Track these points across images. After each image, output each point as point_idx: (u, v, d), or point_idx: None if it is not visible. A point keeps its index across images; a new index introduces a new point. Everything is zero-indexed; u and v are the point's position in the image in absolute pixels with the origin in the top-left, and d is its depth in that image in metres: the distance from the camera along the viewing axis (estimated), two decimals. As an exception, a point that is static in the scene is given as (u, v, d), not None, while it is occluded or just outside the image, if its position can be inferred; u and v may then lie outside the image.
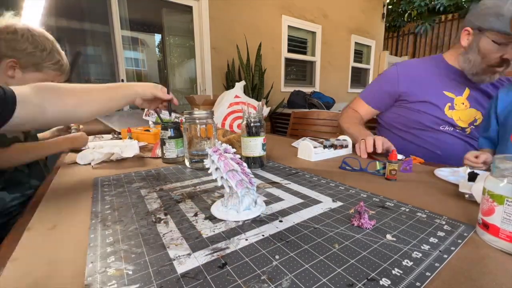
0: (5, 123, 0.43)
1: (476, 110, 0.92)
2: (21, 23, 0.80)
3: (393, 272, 0.27)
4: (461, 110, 0.91)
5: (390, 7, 5.94)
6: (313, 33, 3.91)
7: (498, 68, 0.83)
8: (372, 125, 1.24)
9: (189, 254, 0.31)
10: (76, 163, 0.76)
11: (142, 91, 0.65)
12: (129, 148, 0.79)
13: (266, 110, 1.35)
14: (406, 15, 5.96)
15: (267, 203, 0.46)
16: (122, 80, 2.51)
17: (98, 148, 0.80)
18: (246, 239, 0.34)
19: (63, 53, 0.88)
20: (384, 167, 0.61)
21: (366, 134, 0.89)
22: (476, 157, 0.66)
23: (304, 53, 3.94)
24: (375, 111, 1.07)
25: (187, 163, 0.72)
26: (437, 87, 0.93)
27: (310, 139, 1.04)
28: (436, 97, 0.92)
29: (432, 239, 0.34)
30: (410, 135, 0.98)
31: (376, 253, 0.31)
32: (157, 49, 3.33)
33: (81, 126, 1.14)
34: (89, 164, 0.75)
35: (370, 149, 0.78)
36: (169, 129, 0.74)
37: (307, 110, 2.67)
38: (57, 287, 0.26)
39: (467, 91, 0.92)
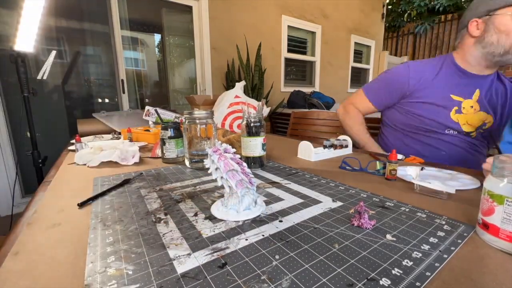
0: None
1: (487, 113, 0.87)
2: None
3: (393, 272, 0.27)
4: (470, 114, 0.87)
5: (389, 7, 5.94)
6: (313, 33, 3.91)
7: None
8: (374, 125, 1.22)
9: (189, 254, 0.31)
10: (75, 163, 0.76)
11: None
12: (129, 154, 0.78)
13: (266, 110, 1.35)
14: (405, 15, 5.96)
15: (267, 203, 0.46)
16: (122, 81, 2.51)
17: (96, 149, 0.79)
18: (246, 239, 0.34)
19: None
20: (384, 167, 0.61)
21: (376, 147, 1.00)
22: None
23: (304, 53, 3.94)
24: (375, 110, 1.06)
25: (187, 163, 0.72)
26: (445, 91, 0.89)
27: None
28: (442, 101, 0.89)
29: (432, 239, 0.34)
30: (415, 135, 0.95)
31: (376, 253, 0.31)
32: (157, 49, 3.32)
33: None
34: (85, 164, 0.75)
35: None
36: (169, 129, 0.74)
37: (307, 110, 2.67)
38: (57, 286, 0.26)
39: (477, 93, 0.87)
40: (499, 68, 0.89)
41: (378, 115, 1.16)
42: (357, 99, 1.08)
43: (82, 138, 1.07)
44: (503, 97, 0.90)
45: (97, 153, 0.77)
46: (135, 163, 0.77)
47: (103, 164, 0.75)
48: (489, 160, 0.50)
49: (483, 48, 0.84)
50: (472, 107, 0.87)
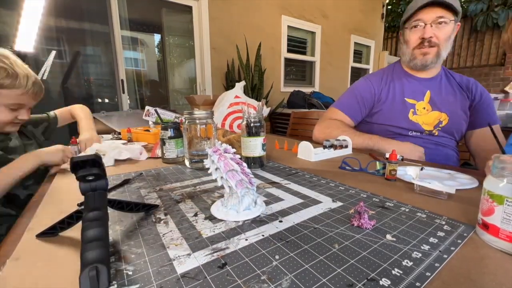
0: None
1: (440, 112, 0.93)
2: None
3: (393, 272, 0.27)
4: (424, 115, 0.93)
5: (389, 7, 5.94)
6: (313, 33, 3.91)
7: (422, 48, 0.90)
8: None
9: (189, 254, 0.31)
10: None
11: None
12: (137, 151, 0.80)
13: (266, 110, 1.35)
14: (405, 15, 5.96)
15: (267, 203, 0.46)
16: (122, 81, 2.51)
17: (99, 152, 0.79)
18: (246, 239, 0.34)
19: (21, 65, 0.77)
20: (384, 167, 0.61)
21: (381, 139, 0.89)
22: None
23: (304, 53, 3.94)
24: (352, 123, 1.03)
25: (187, 163, 0.72)
26: (399, 95, 0.96)
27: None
28: (400, 105, 0.95)
29: (432, 239, 0.34)
30: None
31: (376, 253, 0.31)
32: (156, 49, 3.32)
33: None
34: None
35: None
36: (169, 129, 0.74)
37: (307, 110, 2.67)
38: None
39: (428, 94, 0.94)
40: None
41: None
42: (332, 115, 1.05)
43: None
44: (453, 94, 0.95)
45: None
46: (135, 163, 0.77)
47: (103, 164, 0.75)
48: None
49: (401, 56, 1.00)
50: (424, 108, 0.94)
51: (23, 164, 0.68)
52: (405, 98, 0.95)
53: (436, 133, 0.93)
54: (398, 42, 6.11)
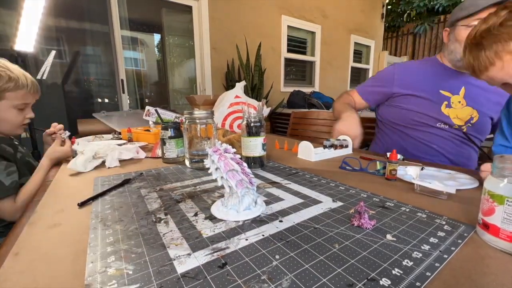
0: None
1: (472, 108, 0.94)
2: None
3: (393, 272, 0.27)
4: (458, 109, 0.94)
5: (389, 7, 5.94)
6: (313, 33, 3.91)
7: None
8: (371, 124, 1.26)
9: (189, 254, 0.31)
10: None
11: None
12: (133, 151, 0.81)
13: (266, 110, 1.35)
14: (405, 15, 5.96)
15: (267, 203, 0.46)
16: (122, 81, 2.51)
17: (96, 152, 0.78)
18: (246, 239, 0.34)
19: (15, 68, 0.82)
20: (384, 167, 0.61)
21: (346, 113, 0.97)
22: None
23: (304, 53, 3.94)
24: (366, 105, 1.13)
25: (187, 163, 0.72)
26: (433, 87, 0.96)
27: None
28: (433, 95, 0.95)
29: (432, 239, 0.34)
30: (407, 130, 1.00)
31: (376, 253, 0.31)
32: (156, 49, 3.32)
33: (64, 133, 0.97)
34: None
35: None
36: (169, 129, 0.74)
37: (307, 110, 2.67)
38: (57, 286, 0.26)
39: (463, 90, 0.94)
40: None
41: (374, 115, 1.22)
42: (351, 92, 1.17)
43: (82, 138, 1.07)
44: (487, 91, 0.95)
45: (97, 158, 0.76)
46: (136, 163, 0.77)
47: (103, 164, 0.75)
48: (484, 167, 0.53)
49: (448, 55, 0.96)
50: (460, 102, 0.94)
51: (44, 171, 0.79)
52: (440, 90, 0.95)
53: (465, 129, 0.94)
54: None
